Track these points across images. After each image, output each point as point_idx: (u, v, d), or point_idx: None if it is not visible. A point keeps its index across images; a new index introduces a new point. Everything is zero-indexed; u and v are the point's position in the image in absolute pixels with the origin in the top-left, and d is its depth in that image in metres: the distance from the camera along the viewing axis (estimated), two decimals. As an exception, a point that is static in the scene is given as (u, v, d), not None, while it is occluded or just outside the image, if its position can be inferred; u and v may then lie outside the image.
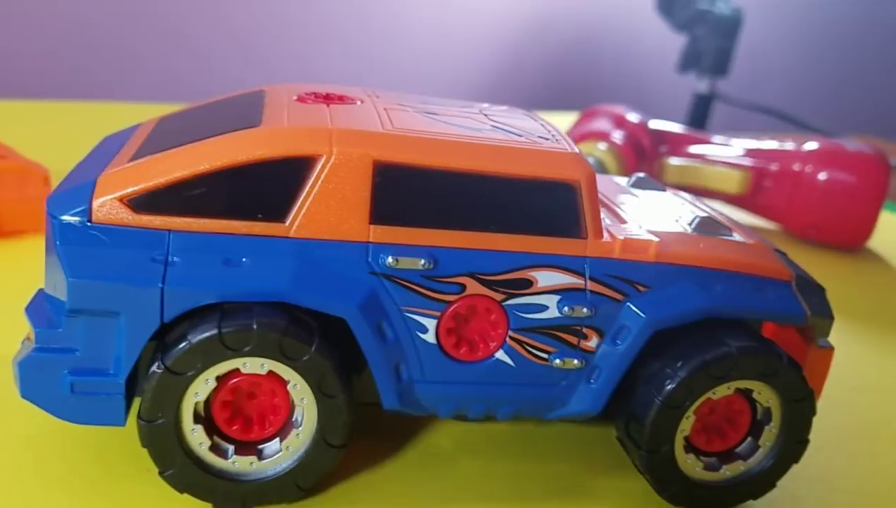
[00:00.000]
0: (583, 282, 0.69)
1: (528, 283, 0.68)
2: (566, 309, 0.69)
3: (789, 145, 1.56)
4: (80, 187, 0.64)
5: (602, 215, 0.75)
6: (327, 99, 0.75)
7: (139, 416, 0.62)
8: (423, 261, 0.66)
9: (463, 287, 0.67)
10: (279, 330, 0.62)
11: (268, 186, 0.64)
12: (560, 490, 0.73)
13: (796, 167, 1.51)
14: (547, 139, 0.72)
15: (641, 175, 0.92)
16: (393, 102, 0.77)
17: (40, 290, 0.68)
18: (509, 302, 0.68)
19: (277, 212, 0.64)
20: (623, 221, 0.75)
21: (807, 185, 1.49)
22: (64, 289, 0.61)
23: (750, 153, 1.53)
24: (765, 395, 0.71)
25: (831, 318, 0.74)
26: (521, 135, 0.72)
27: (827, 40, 3.43)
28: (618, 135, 1.41)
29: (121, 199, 0.62)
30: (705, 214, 0.79)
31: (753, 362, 0.68)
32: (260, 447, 0.65)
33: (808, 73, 3.43)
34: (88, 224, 0.62)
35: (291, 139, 0.65)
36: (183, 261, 0.62)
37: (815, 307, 0.74)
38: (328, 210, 0.65)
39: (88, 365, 0.62)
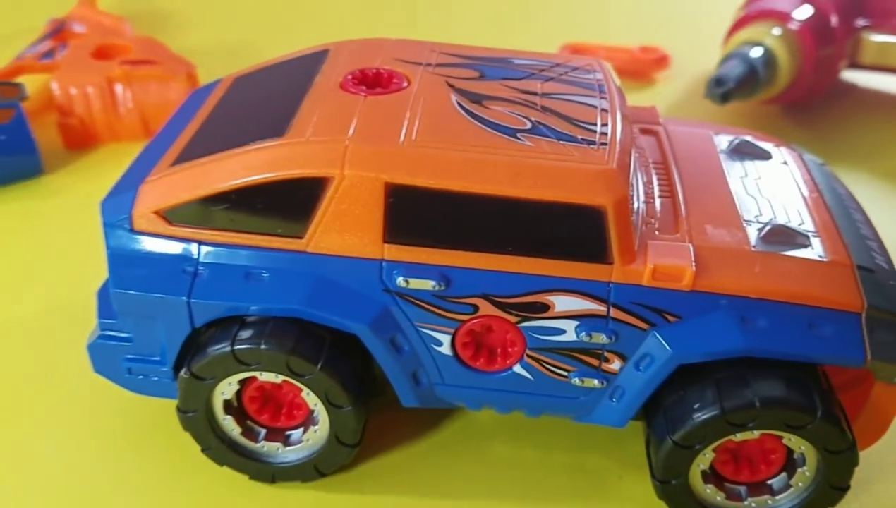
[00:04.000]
0: (605, 309, 0.66)
1: (545, 307, 0.66)
2: (584, 335, 0.66)
3: None
4: (126, 194, 0.69)
5: (658, 208, 0.70)
6: (371, 83, 0.73)
7: (177, 406, 0.70)
8: (432, 283, 0.66)
9: (476, 308, 0.67)
10: (286, 350, 0.66)
11: (285, 203, 0.66)
12: (584, 488, 0.74)
13: None
14: (591, 142, 0.67)
15: (747, 138, 0.82)
16: (453, 76, 0.74)
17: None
18: (525, 324, 0.67)
19: (295, 228, 0.66)
20: (677, 226, 0.69)
21: None
22: None
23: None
24: (796, 442, 0.66)
25: (897, 363, 0.65)
26: (561, 139, 0.67)
27: None
28: (799, 16, 1.22)
29: (157, 212, 0.67)
30: (778, 224, 0.70)
31: (778, 415, 0.63)
32: (287, 433, 0.72)
33: None
34: (131, 232, 0.68)
35: (306, 159, 0.65)
36: (209, 273, 0.67)
37: (885, 345, 0.65)
38: (342, 228, 0.66)
39: (140, 353, 0.71)
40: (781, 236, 0.69)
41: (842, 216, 0.75)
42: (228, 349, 0.66)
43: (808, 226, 0.72)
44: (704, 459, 0.67)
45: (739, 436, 0.66)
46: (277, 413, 0.72)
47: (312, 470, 0.72)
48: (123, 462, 0.75)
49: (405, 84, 0.73)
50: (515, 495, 0.74)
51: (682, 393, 0.67)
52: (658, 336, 0.66)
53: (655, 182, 0.75)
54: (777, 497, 0.69)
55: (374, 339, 0.67)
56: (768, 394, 0.63)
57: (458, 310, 0.67)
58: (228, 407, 0.70)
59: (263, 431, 0.72)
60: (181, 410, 0.70)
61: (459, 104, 0.70)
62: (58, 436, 0.77)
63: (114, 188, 0.72)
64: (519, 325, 0.67)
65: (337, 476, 0.74)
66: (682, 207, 0.71)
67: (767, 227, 0.69)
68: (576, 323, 0.67)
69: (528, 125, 0.69)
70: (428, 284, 0.66)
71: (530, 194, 0.64)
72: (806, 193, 0.76)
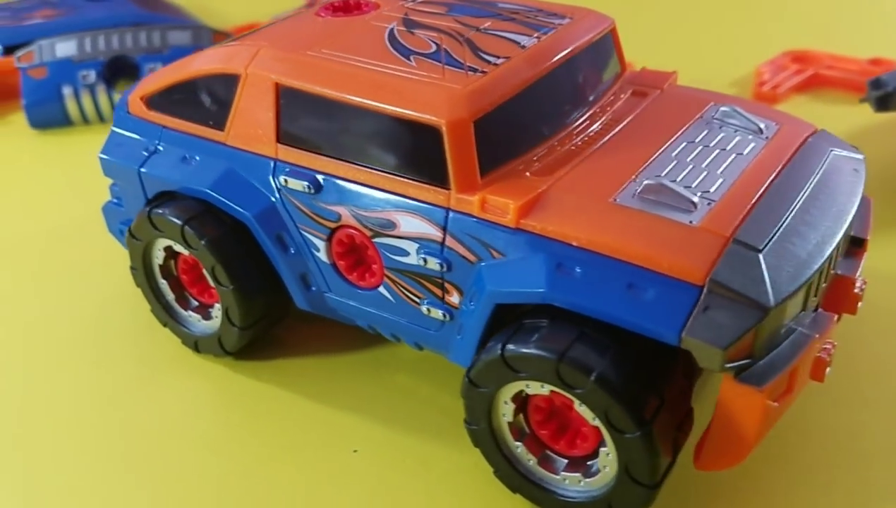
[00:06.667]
0: (441, 236, 0.64)
1: (392, 225, 0.67)
2: (421, 259, 0.66)
3: None
4: (133, 86, 0.83)
5: (556, 155, 0.67)
6: (341, 10, 0.78)
7: (130, 265, 0.82)
8: (305, 184, 0.70)
9: (339, 216, 0.69)
10: (181, 221, 0.74)
11: (214, 97, 0.75)
12: (456, 430, 0.71)
13: None
14: (474, 70, 0.65)
15: (738, 108, 0.72)
16: (418, 10, 0.76)
17: None
18: (377, 239, 0.68)
19: (220, 121, 0.75)
20: (555, 172, 0.64)
21: None
22: None
23: None
24: (588, 413, 0.58)
25: (720, 348, 0.54)
26: (449, 64, 0.66)
27: None
28: None
29: (141, 98, 0.80)
30: (658, 182, 0.61)
31: (550, 366, 0.57)
32: (208, 310, 0.81)
33: None
34: (127, 113, 0.82)
35: (227, 59, 0.74)
36: (161, 153, 0.78)
37: (714, 328, 0.54)
38: (247, 124, 0.73)
39: (128, 218, 0.84)
40: (658, 195, 0.61)
41: (787, 198, 0.63)
42: (147, 213, 0.77)
43: (715, 193, 0.62)
44: (507, 409, 0.62)
45: (531, 389, 0.60)
46: (203, 290, 0.81)
47: (218, 345, 0.80)
48: (99, 320, 0.88)
49: (369, 11, 0.77)
50: (394, 421, 0.74)
51: (497, 334, 0.62)
52: (483, 271, 0.63)
53: (583, 134, 0.70)
54: (588, 480, 0.61)
55: (261, 231, 0.73)
56: (544, 343, 0.57)
57: (325, 216, 0.70)
58: (167, 273, 0.81)
59: (195, 303, 0.82)
60: (131, 267, 0.82)
61: (392, 29, 0.73)
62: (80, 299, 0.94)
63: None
64: (373, 240, 0.68)
65: (249, 362, 0.81)
66: (583, 158, 0.66)
67: (644, 183, 0.62)
68: (416, 245, 0.66)
69: (431, 49, 0.69)
70: (301, 185, 0.70)
71: (383, 106, 0.65)
72: (759, 167, 0.65)
